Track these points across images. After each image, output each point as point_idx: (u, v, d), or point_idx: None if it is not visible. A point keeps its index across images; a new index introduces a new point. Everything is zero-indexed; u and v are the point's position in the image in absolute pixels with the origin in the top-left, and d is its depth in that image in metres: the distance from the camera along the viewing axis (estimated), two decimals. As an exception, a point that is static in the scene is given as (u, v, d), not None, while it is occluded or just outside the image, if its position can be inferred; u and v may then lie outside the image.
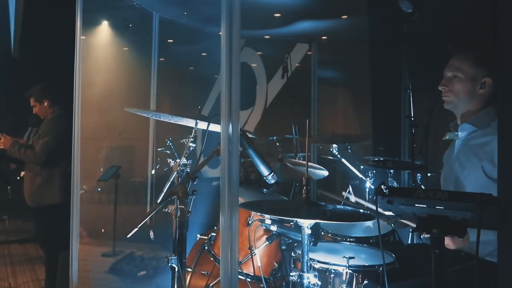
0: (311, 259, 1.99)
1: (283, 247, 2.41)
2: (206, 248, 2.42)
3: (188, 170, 1.97)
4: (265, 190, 2.82)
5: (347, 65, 5.60)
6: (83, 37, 3.02)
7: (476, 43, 2.08)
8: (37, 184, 3.53)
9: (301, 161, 3.42)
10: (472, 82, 1.94)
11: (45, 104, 3.66)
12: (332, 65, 5.83)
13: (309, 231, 1.84)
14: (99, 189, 5.57)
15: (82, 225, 3.07)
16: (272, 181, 1.89)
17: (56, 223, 3.39)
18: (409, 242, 3.12)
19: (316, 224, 2.03)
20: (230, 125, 1.52)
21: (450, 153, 2.10)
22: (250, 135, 1.89)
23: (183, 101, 5.71)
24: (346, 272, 1.96)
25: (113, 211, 4.78)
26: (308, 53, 5.47)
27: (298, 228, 1.91)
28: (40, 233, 3.76)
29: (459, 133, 2.01)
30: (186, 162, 2.00)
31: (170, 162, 2.16)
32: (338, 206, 2.02)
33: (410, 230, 3.30)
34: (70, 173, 2.94)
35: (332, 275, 2.01)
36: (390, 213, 1.42)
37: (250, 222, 2.26)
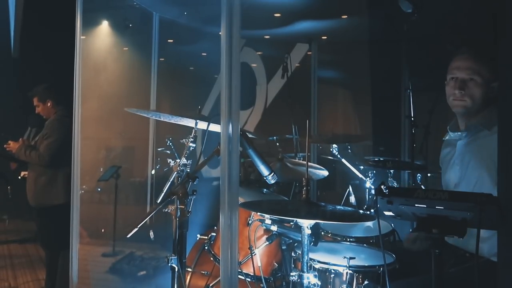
0: (311, 259, 1.99)
1: (284, 247, 2.40)
2: (206, 248, 2.42)
3: (188, 170, 1.97)
4: (265, 190, 2.82)
5: (347, 65, 5.60)
6: (83, 37, 3.02)
7: (484, 44, 2.05)
8: (40, 184, 3.54)
9: (301, 161, 3.42)
10: (487, 86, 1.90)
11: (49, 104, 3.67)
12: (332, 65, 5.83)
13: (309, 231, 1.84)
14: (99, 189, 5.57)
15: (82, 225, 3.07)
16: (272, 181, 1.89)
17: (58, 223, 3.39)
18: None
19: (316, 224, 2.03)
20: (230, 125, 1.52)
21: (448, 154, 2.08)
22: (250, 135, 1.89)
23: (183, 101, 5.71)
24: (347, 273, 1.96)
25: (113, 211, 4.78)
26: (308, 53, 5.47)
27: (298, 228, 1.91)
28: (42, 233, 3.76)
29: (463, 133, 1.98)
30: (186, 162, 2.00)
31: (170, 162, 2.17)
32: (338, 207, 2.02)
33: (411, 230, 3.31)
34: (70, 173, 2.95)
35: (332, 275, 2.01)
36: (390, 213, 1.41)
37: (250, 222, 2.26)
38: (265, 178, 1.88)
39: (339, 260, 2.00)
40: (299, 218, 1.84)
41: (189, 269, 2.41)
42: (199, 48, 5.40)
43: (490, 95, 1.91)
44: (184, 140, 2.08)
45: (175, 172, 2.00)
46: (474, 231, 1.27)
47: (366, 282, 1.97)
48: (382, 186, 1.32)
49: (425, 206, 1.28)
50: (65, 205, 3.25)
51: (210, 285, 2.31)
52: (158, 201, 1.80)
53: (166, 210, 1.74)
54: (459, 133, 2.01)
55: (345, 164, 3.42)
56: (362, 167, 3.46)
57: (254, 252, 2.23)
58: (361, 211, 2.14)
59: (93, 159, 5.35)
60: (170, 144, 3.37)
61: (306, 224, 1.82)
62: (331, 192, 5.26)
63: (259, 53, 6.12)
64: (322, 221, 2.21)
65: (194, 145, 2.06)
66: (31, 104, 3.73)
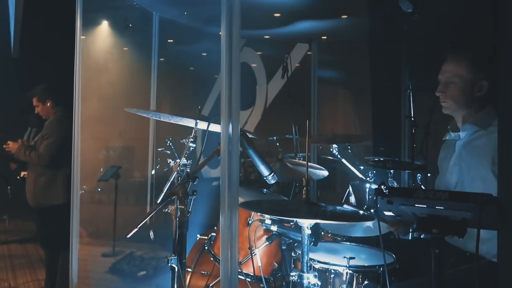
0: (311, 259, 1.99)
1: (284, 247, 2.40)
2: (206, 248, 2.42)
3: (188, 170, 1.97)
4: (265, 190, 2.82)
5: (347, 65, 5.60)
6: (83, 37, 3.02)
7: (468, 45, 2.07)
8: (40, 184, 3.54)
9: (301, 161, 3.42)
10: (470, 86, 1.93)
11: (48, 104, 3.67)
12: (332, 65, 5.83)
13: (309, 231, 1.84)
14: (99, 189, 5.56)
15: (82, 225, 3.06)
16: (272, 181, 1.89)
17: (58, 224, 3.39)
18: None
19: (316, 224, 2.03)
20: (230, 125, 1.52)
21: (447, 156, 2.09)
22: (250, 135, 1.89)
23: (183, 101, 5.71)
24: (347, 272, 1.96)
25: (113, 211, 4.78)
26: (308, 53, 5.47)
27: (298, 228, 1.91)
28: (42, 233, 3.76)
29: (460, 134, 2.00)
30: (186, 162, 2.00)
31: (170, 162, 2.17)
32: (338, 207, 2.02)
33: (410, 230, 3.30)
34: (70, 174, 2.95)
35: (332, 275, 2.01)
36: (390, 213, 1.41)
37: (250, 222, 2.26)
38: (265, 178, 1.88)
39: (339, 260, 2.00)
40: (299, 218, 1.84)
41: (189, 269, 2.41)
42: (199, 48, 5.39)
43: (478, 94, 1.93)
44: (184, 140, 2.08)
45: (175, 172, 2.00)
46: (473, 232, 1.27)
47: (366, 282, 1.97)
48: (382, 186, 1.32)
49: (425, 206, 1.28)
50: (65, 205, 3.25)
51: (210, 285, 2.31)
52: (158, 201, 1.80)
53: (166, 210, 1.74)
54: (458, 133, 2.02)
55: (345, 164, 3.42)
56: (362, 167, 3.46)
57: (254, 252, 2.23)
58: (361, 211, 2.13)
59: (93, 159, 5.35)
60: (170, 144, 3.37)
61: (306, 224, 1.82)
62: (331, 192, 5.26)
63: (259, 53, 6.12)
64: (322, 221, 2.21)
65: (194, 145, 2.06)
66: (31, 104, 3.73)
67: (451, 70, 1.97)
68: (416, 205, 1.29)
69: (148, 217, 1.71)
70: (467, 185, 1.92)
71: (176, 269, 1.73)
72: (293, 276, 1.91)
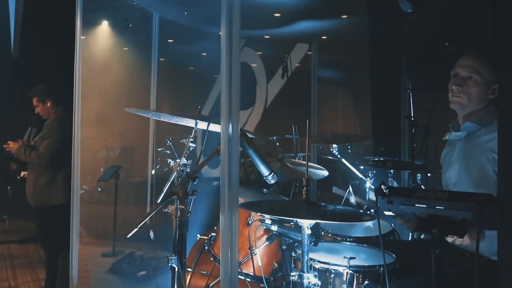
0: (311, 259, 1.99)
1: (284, 247, 2.40)
2: (206, 248, 2.42)
3: (188, 170, 1.97)
4: (265, 190, 2.82)
5: (347, 65, 5.60)
6: (83, 37, 3.02)
7: (489, 44, 2.05)
8: (40, 184, 3.54)
9: (301, 161, 3.42)
10: (486, 86, 1.91)
11: (48, 104, 3.67)
12: (332, 65, 5.83)
13: (309, 231, 1.84)
14: (99, 189, 5.56)
15: (82, 225, 3.06)
16: (272, 181, 1.89)
17: (58, 224, 3.39)
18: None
19: (316, 224, 2.03)
20: (230, 125, 1.52)
21: (449, 153, 2.09)
22: (250, 135, 1.89)
23: (183, 101, 5.71)
24: (347, 273, 1.96)
25: (113, 211, 4.78)
26: (308, 53, 5.47)
27: (299, 228, 1.91)
28: (41, 233, 3.77)
29: (461, 132, 1.99)
30: (186, 162, 2.00)
31: (170, 162, 2.17)
32: (338, 206, 2.01)
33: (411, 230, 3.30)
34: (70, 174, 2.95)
35: (332, 275, 2.00)
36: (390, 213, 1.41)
37: (250, 222, 2.26)
38: (265, 178, 1.88)
39: (339, 260, 2.00)
40: (299, 218, 1.84)
41: (189, 269, 2.41)
42: (199, 48, 5.39)
43: (490, 96, 1.91)
44: (184, 140, 2.08)
45: (175, 172, 2.00)
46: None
47: (366, 282, 1.97)
48: (382, 186, 1.32)
49: (425, 206, 1.28)
50: (65, 205, 3.25)
51: (210, 285, 2.31)
52: (158, 201, 1.81)
53: (166, 210, 1.74)
54: (456, 133, 2.02)
55: (345, 164, 3.42)
56: (362, 167, 3.46)
57: (254, 252, 2.23)
58: (361, 211, 2.14)
59: (93, 159, 5.35)
60: (170, 144, 3.37)
61: (306, 224, 1.82)
62: (331, 192, 5.25)
63: (259, 53, 6.12)
64: (322, 221, 2.21)
65: (194, 145, 2.06)
66: (31, 104, 3.73)
67: (473, 65, 1.91)
68: (416, 205, 1.29)
69: (148, 217, 1.71)
70: (466, 184, 1.92)
71: (176, 269, 1.73)
72: (293, 276, 1.91)
